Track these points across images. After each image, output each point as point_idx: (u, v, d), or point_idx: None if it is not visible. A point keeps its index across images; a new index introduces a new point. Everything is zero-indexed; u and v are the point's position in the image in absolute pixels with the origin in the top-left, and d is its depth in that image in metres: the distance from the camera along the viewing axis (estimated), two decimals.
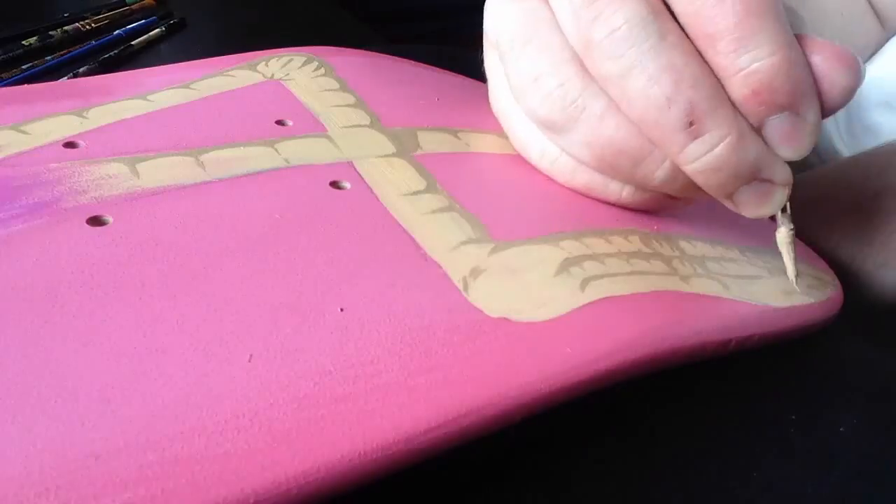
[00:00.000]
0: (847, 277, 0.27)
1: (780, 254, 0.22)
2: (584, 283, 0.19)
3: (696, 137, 0.20)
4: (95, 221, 0.17)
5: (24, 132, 0.20)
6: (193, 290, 0.16)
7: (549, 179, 0.24)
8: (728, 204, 0.21)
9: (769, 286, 0.23)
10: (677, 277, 0.21)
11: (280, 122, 0.23)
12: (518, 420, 0.16)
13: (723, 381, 0.22)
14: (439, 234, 0.20)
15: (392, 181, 0.21)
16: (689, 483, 0.19)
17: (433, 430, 0.15)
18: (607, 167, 0.22)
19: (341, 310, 0.16)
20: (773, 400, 0.22)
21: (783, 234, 0.22)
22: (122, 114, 0.22)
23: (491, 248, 0.20)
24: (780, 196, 0.21)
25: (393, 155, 0.23)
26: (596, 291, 0.19)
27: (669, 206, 0.24)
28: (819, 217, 0.33)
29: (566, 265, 0.20)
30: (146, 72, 0.25)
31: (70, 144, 0.20)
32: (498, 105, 0.26)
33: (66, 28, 0.40)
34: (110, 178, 0.19)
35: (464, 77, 0.32)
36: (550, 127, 0.23)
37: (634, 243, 0.22)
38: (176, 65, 0.26)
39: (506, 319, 0.17)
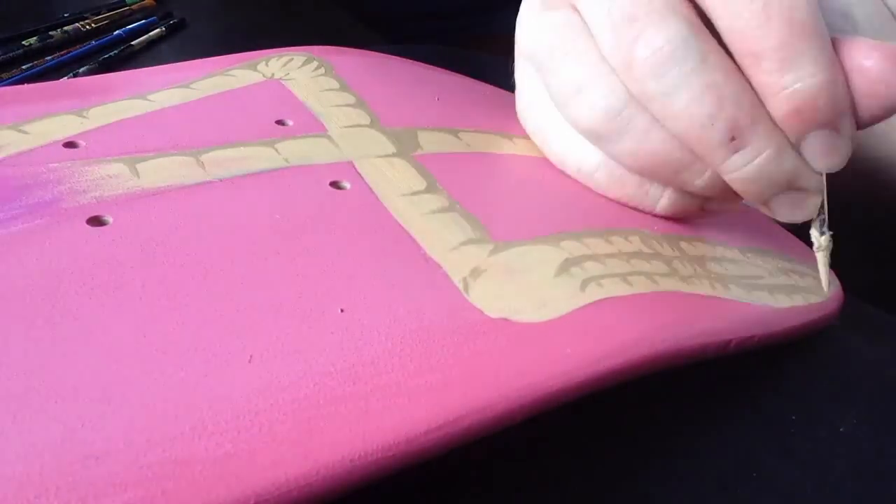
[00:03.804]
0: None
1: (779, 254, 0.22)
2: (585, 283, 0.19)
3: (737, 151, 0.20)
4: (95, 221, 0.17)
5: (24, 132, 0.20)
6: (193, 291, 0.16)
7: (550, 180, 0.24)
8: (764, 210, 0.22)
9: (770, 287, 0.23)
10: (678, 278, 0.21)
11: (280, 122, 0.23)
12: (518, 421, 0.16)
13: (723, 380, 0.22)
14: (439, 234, 0.20)
15: (392, 181, 0.21)
16: (689, 482, 0.19)
17: (433, 431, 0.15)
18: (649, 174, 0.23)
19: (341, 310, 0.16)
20: (773, 400, 0.22)
21: (817, 238, 0.22)
22: (122, 114, 0.22)
23: (491, 248, 0.20)
24: (813, 203, 0.22)
25: (393, 155, 0.23)
26: (596, 292, 0.19)
27: (704, 215, 0.25)
28: None
29: (566, 265, 0.20)
30: (146, 72, 0.25)
31: (70, 144, 0.20)
32: (530, 115, 0.26)
33: (66, 28, 0.40)
34: (110, 178, 0.19)
35: (464, 77, 0.32)
36: (595, 137, 0.23)
37: (635, 244, 0.22)
38: (176, 65, 0.26)
39: (506, 320, 0.17)
